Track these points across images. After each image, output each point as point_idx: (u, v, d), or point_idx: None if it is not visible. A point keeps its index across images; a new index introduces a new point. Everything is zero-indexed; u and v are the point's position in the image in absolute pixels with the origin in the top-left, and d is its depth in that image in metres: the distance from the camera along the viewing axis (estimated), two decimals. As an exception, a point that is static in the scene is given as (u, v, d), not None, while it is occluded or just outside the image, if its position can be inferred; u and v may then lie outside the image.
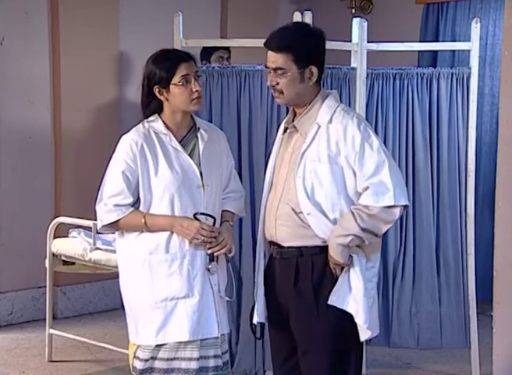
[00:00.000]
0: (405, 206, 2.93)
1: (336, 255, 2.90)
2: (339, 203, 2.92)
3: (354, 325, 2.95)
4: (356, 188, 2.92)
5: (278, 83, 2.96)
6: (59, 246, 4.69)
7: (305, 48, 2.93)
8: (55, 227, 4.71)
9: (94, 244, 4.49)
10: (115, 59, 5.84)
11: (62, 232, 4.85)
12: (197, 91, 3.16)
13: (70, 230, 4.82)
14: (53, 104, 5.63)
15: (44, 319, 4.86)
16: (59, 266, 4.75)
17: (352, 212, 2.89)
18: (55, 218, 4.90)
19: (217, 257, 3.21)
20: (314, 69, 2.95)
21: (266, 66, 2.99)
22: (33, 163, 5.58)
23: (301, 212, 2.94)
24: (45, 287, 4.84)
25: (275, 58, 2.94)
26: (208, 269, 3.18)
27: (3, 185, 5.46)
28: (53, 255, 4.71)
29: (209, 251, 3.18)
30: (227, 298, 3.27)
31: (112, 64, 5.83)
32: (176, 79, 3.15)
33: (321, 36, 3.00)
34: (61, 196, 5.65)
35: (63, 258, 4.70)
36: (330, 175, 2.91)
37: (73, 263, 4.69)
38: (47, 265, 4.73)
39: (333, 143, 2.91)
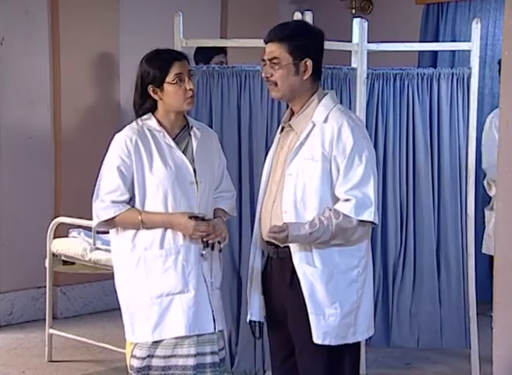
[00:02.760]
0: (374, 224, 2.94)
1: (283, 241, 2.88)
2: (327, 202, 2.92)
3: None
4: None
5: (272, 75, 2.97)
6: (59, 246, 4.69)
7: (302, 40, 2.93)
8: (55, 227, 4.72)
9: (94, 244, 4.50)
10: (115, 59, 5.85)
11: (62, 232, 4.85)
12: (190, 89, 3.19)
13: (70, 230, 4.82)
14: (53, 104, 5.63)
15: (44, 319, 4.86)
16: (59, 266, 4.75)
17: (331, 230, 2.86)
18: (55, 218, 4.90)
19: (212, 246, 3.23)
20: (309, 63, 2.94)
21: (263, 60, 3.00)
22: (34, 163, 5.58)
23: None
24: (45, 287, 4.84)
25: (271, 49, 2.96)
26: (202, 255, 3.20)
27: (3, 185, 5.46)
28: (53, 255, 4.71)
29: (205, 238, 3.20)
30: (216, 289, 3.27)
31: (112, 64, 5.83)
32: (170, 77, 3.18)
33: (320, 34, 3.00)
34: (61, 196, 5.65)
35: (63, 258, 4.70)
36: (321, 174, 2.90)
37: (73, 263, 4.69)
38: (47, 265, 4.73)
39: (327, 141, 2.90)
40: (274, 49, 2.95)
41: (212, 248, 3.24)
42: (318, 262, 2.92)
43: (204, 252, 3.21)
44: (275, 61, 2.95)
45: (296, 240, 2.89)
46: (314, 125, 2.95)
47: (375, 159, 2.99)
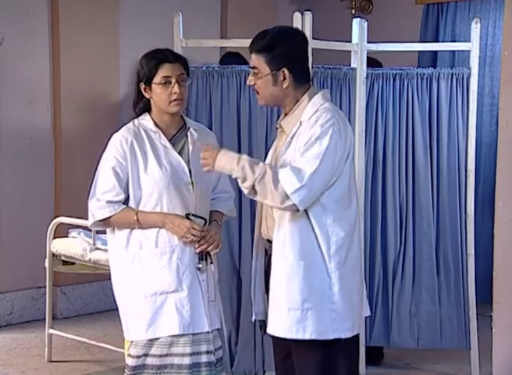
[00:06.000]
0: (296, 207, 2.83)
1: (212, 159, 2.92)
2: (320, 202, 2.88)
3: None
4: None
5: (255, 83, 2.99)
6: (59, 246, 4.69)
7: (278, 50, 2.92)
8: (54, 227, 4.72)
9: (94, 244, 4.50)
10: (115, 59, 5.85)
11: (62, 232, 4.85)
12: (175, 93, 3.18)
13: (70, 230, 4.82)
14: (53, 104, 5.63)
15: (44, 319, 4.86)
16: (59, 266, 4.75)
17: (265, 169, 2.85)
18: (55, 218, 4.90)
19: (206, 256, 3.23)
20: (287, 72, 2.93)
21: (249, 67, 3.04)
22: (34, 163, 5.58)
23: None
24: (45, 287, 4.84)
25: (252, 59, 2.98)
26: (199, 269, 3.21)
27: (3, 185, 5.46)
28: (53, 255, 4.71)
29: (197, 250, 3.20)
30: (212, 300, 3.26)
31: (112, 64, 5.83)
32: (157, 78, 3.19)
33: (300, 38, 2.99)
34: (61, 196, 5.65)
35: (63, 258, 4.70)
36: None
37: (73, 263, 4.69)
38: (47, 265, 4.73)
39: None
40: (254, 59, 2.97)
41: (206, 260, 3.24)
42: (292, 256, 2.89)
43: (200, 266, 3.21)
44: (255, 71, 2.98)
45: (225, 159, 2.91)
46: (300, 124, 2.93)
47: (341, 158, 2.88)
